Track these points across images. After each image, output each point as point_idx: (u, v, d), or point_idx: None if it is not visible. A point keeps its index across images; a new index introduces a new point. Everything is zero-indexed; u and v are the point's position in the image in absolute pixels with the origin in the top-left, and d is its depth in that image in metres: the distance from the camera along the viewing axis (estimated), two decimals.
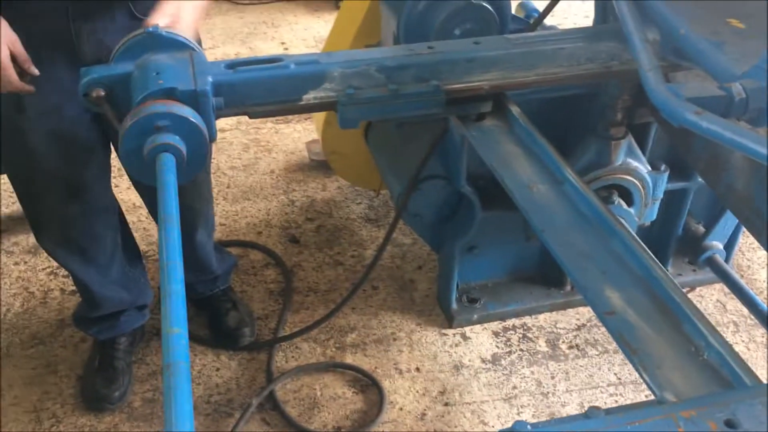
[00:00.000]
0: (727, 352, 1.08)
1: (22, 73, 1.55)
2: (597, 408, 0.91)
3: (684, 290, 1.99)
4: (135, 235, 2.28)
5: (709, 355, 1.10)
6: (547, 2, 2.04)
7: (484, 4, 1.99)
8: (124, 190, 2.91)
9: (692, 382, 1.07)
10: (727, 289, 2.46)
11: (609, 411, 0.92)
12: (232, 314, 2.37)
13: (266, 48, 4.45)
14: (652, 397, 1.09)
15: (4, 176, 2.98)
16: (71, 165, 1.83)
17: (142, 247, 2.49)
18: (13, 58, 1.52)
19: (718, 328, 2.31)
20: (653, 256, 1.25)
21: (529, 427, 0.87)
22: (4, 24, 1.51)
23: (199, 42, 1.92)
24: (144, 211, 2.86)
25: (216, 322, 2.38)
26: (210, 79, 1.43)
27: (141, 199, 2.22)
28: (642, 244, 1.28)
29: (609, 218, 1.33)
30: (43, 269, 2.63)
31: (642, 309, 1.19)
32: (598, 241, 1.32)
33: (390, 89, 1.53)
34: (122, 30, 1.58)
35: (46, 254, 2.65)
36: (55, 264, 2.64)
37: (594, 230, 1.34)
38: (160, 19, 1.50)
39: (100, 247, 2.05)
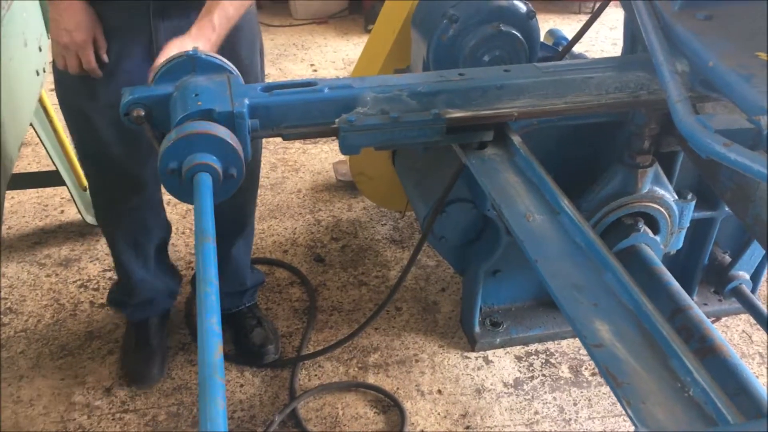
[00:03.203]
0: (711, 389, 1.07)
1: (97, 57, 1.73)
2: None
3: (710, 320, 1.99)
4: None
5: (695, 392, 1.10)
6: (576, 30, 2.07)
7: (514, 31, 2.03)
8: None
9: (676, 417, 1.06)
10: (753, 320, 2.45)
11: None
12: (257, 331, 2.41)
13: (296, 69, 4.52)
14: None
15: (27, 192, 3.09)
16: (133, 159, 1.95)
17: None
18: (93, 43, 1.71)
19: (744, 360, 2.31)
20: (643, 291, 1.24)
21: None
22: (92, 12, 1.69)
23: (262, 52, 2.03)
24: None
25: (241, 338, 2.41)
26: (246, 101, 1.47)
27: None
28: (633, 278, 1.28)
29: (603, 251, 1.32)
30: (74, 282, 2.69)
31: (630, 343, 1.18)
32: (591, 273, 1.31)
33: (391, 117, 1.53)
34: None
35: (76, 268, 2.73)
36: (86, 277, 2.70)
37: (588, 262, 1.34)
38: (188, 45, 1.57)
39: (149, 240, 2.21)
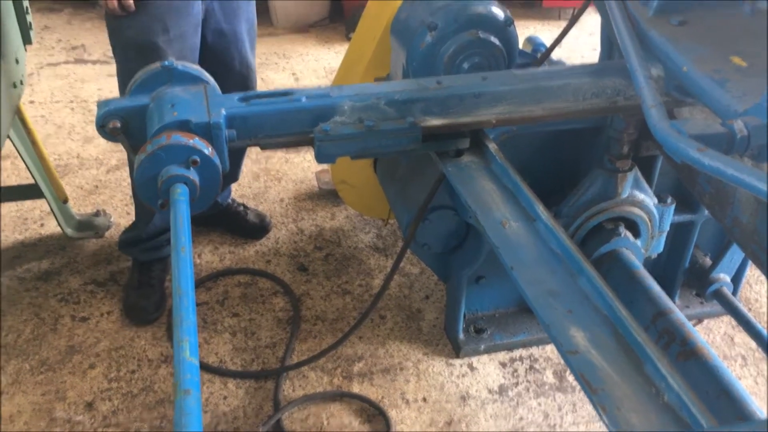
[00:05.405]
0: (686, 394, 1.08)
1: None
2: None
3: (692, 323, 2.00)
4: None
5: (669, 398, 1.10)
6: (554, 37, 2.08)
7: (492, 38, 2.03)
8: None
9: (651, 424, 1.07)
10: (734, 322, 2.46)
11: None
12: (250, 212, 2.96)
13: (277, 78, 4.51)
14: None
15: (5, 205, 3.07)
16: None
17: None
18: None
19: (726, 362, 2.33)
20: (617, 297, 1.25)
21: None
22: None
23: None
24: None
25: (240, 222, 2.92)
26: (223, 111, 1.47)
27: None
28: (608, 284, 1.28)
29: (578, 257, 1.33)
30: (55, 296, 2.66)
31: (605, 349, 1.19)
32: (566, 279, 1.32)
33: (366, 125, 1.53)
34: None
35: (57, 281, 2.70)
36: (67, 290, 2.68)
37: (563, 268, 1.34)
38: None
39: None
